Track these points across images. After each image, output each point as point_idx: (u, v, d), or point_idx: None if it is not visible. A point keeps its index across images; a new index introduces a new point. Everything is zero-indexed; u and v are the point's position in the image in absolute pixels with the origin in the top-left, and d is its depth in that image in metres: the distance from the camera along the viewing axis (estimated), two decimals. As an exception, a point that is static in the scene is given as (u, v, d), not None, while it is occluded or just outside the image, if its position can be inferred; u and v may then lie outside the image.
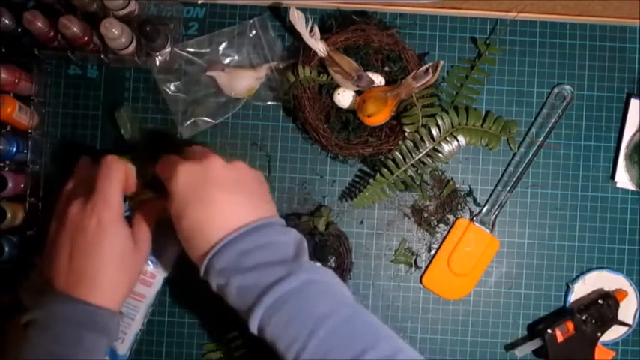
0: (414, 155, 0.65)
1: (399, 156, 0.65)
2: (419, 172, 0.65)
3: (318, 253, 0.66)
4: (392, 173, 0.64)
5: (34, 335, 0.50)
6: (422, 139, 0.65)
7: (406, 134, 0.65)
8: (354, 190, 0.68)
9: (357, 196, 0.65)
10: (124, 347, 0.63)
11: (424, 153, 0.65)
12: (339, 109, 0.66)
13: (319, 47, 0.63)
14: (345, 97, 0.65)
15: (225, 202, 0.51)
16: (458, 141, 0.65)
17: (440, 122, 0.65)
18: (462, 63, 0.69)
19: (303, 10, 0.65)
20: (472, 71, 0.68)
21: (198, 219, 0.51)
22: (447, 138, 0.65)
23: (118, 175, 0.55)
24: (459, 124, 0.65)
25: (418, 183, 0.66)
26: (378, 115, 0.62)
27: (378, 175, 0.64)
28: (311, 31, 0.63)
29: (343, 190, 0.69)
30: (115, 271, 0.53)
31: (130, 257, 0.55)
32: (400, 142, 0.65)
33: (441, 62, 0.63)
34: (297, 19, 0.62)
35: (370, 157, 0.66)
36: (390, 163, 0.64)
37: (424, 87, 0.64)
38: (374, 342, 0.47)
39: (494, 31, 0.69)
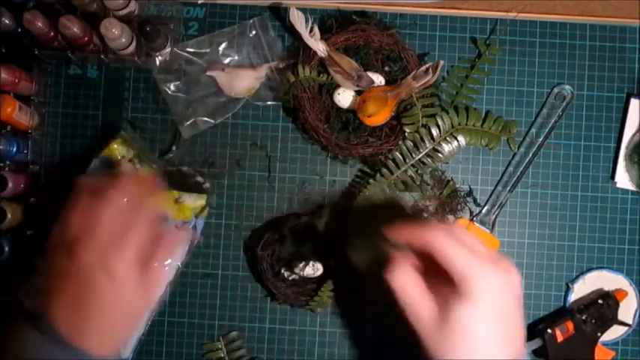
0: (414, 155, 0.65)
1: (399, 156, 0.65)
2: (419, 172, 0.65)
3: (318, 254, 0.65)
4: (392, 173, 0.64)
5: (32, 337, 0.50)
6: (422, 139, 0.65)
7: (406, 134, 0.65)
8: (354, 190, 0.68)
9: (357, 196, 0.65)
10: (125, 352, 0.63)
11: (424, 153, 0.65)
12: (339, 109, 0.66)
13: (319, 47, 0.63)
14: (345, 97, 0.65)
15: (519, 330, 0.49)
16: (458, 141, 0.65)
17: (440, 122, 0.65)
18: (462, 63, 0.69)
19: (303, 10, 0.65)
20: (472, 71, 0.68)
21: (491, 333, 0.47)
22: (447, 138, 0.65)
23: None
24: (459, 124, 0.65)
25: (418, 183, 0.66)
26: (378, 115, 0.62)
27: (378, 175, 0.64)
28: (311, 31, 0.63)
29: (343, 190, 0.69)
30: (120, 322, 0.51)
31: (138, 306, 0.52)
32: (400, 142, 0.65)
33: (441, 62, 0.63)
34: (297, 19, 0.62)
35: (370, 157, 0.66)
36: (390, 163, 0.65)
37: (424, 87, 0.64)
38: None
39: (494, 31, 0.69)
